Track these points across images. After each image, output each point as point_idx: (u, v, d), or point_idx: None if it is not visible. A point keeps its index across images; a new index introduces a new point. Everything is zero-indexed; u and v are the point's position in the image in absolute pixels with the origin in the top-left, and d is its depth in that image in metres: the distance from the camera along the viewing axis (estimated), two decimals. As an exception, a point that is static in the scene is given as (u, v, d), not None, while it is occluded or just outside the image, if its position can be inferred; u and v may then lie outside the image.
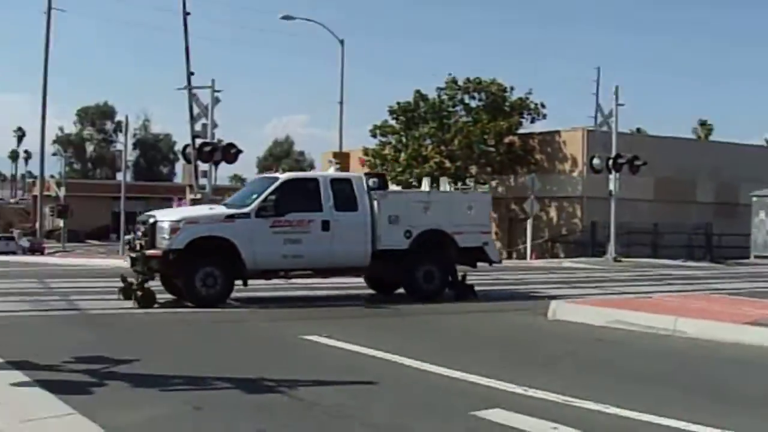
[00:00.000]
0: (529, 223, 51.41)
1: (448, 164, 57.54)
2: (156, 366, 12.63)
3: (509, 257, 55.91)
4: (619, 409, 9.56)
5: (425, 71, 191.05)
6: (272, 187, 21.86)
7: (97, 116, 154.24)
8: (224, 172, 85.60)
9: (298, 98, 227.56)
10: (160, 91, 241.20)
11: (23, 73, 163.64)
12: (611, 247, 45.67)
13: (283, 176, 23.36)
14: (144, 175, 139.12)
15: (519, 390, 10.69)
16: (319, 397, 10.58)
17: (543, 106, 60.20)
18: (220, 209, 22.96)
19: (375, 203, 22.16)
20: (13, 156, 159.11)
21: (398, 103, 59.84)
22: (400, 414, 9.67)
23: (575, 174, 56.61)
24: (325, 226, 21.31)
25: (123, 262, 46.98)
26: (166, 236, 20.24)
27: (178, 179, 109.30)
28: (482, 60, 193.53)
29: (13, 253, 71.46)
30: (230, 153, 47.03)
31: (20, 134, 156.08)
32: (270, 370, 12.07)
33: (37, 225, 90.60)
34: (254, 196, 22.07)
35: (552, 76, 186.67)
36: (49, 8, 67.68)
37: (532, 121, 60.31)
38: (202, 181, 50.64)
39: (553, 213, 57.56)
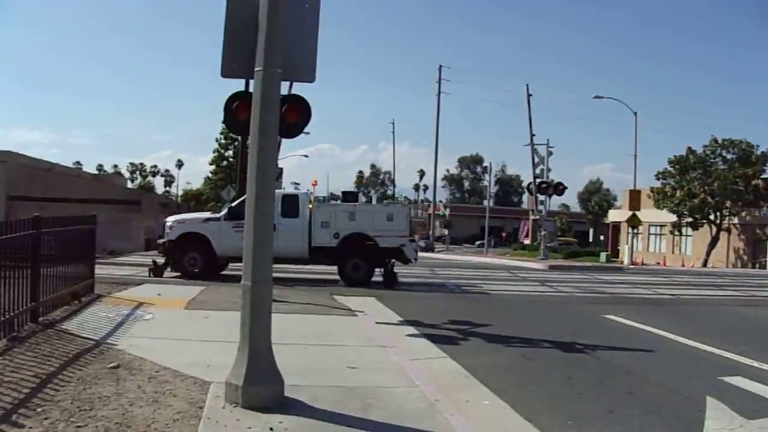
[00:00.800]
0: (769, 242, 47.62)
1: (710, 199, 54.22)
2: (502, 329, 12.85)
3: (753, 267, 52.12)
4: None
5: (694, 130, 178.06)
6: (239, 200, 21.50)
7: (471, 162, 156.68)
8: (555, 201, 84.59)
9: (605, 150, 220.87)
10: (513, 146, 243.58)
11: (424, 133, 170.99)
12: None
13: None
14: (501, 202, 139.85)
15: (755, 364, 10.05)
16: (612, 357, 10.40)
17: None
18: (204, 215, 23.13)
19: (311, 212, 21.41)
20: (416, 187, 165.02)
21: (674, 156, 57.14)
22: (667, 374, 9.32)
23: (804, 205, 52.03)
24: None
25: (485, 259, 47.67)
26: (168, 231, 21.14)
27: (524, 206, 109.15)
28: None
29: (414, 251, 73.82)
30: (559, 189, 46.85)
31: (421, 173, 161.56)
32: (580, 337, 11.95)
33: (430, 232, 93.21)
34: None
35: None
36: (439, 94, 71.02)
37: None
38: (540, 207, 50.70)
39: (787, 234, 53.00)
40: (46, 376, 7.15)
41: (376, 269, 21.52)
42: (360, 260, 21.11)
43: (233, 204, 21.90)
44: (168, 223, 21.51)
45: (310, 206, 21.84)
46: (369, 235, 21.21)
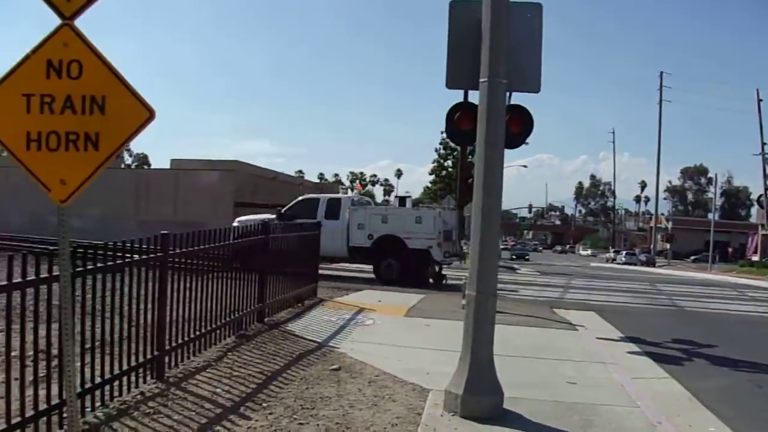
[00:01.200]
0: None
1: None
2: (728, 351, 12.13)
3: None
4: None
5: None
6: (292, 203, 23.44)
7: (695, 173, 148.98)
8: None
9: None
10: (741, 155, 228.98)
11: (645, 143, 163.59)
12: None
13: (301, 197, 24.49)
14: (727, 215, 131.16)
15: None
16: None
17: None
18: (263, 216, 23.00)
19: (350, 215, 22.33)
20: (637, 199, 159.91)
21: None
22: None
23: None
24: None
25: (709, 276, 45.23)
26: None
27: (753, 219, 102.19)
28: None
29: (634, 264, 71.64)
30: (792, 202, 43.68)
31: (642, 185, 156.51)
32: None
33: (651, 246, 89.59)
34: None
35: None
36: (661, 101, 68.21)
37: None
38: (771, 221, 47.63)
39: None
40: (271, 373, 7.76)
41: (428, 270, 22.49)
42: (392, 260, 21.94)
43: (284, 208, 23.23)
44: (234, 224, 22.77)
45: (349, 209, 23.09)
46: (399, 237, 22.06)
